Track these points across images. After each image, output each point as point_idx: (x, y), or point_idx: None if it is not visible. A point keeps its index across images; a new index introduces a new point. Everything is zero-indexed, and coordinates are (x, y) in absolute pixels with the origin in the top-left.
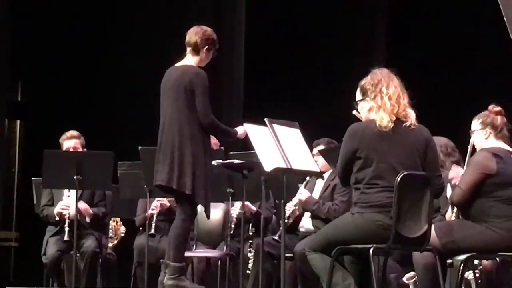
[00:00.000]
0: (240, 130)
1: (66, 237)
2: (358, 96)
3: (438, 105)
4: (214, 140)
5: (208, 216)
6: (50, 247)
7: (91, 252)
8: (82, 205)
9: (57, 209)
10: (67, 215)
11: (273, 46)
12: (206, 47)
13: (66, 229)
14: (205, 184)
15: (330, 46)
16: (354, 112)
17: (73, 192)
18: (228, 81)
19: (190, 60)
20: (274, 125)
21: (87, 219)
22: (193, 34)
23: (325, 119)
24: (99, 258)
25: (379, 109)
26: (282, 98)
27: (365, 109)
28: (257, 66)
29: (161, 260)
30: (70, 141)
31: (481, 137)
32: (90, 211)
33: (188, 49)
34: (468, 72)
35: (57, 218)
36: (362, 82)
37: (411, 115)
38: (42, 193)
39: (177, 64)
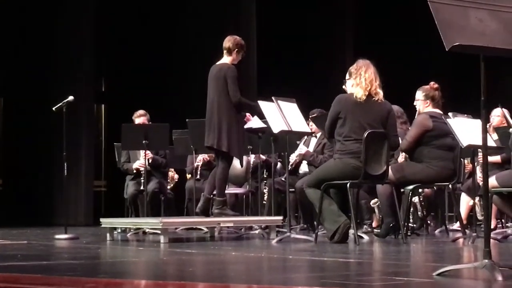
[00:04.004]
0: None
1: (142, 187)
2: (347, 76)
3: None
4: (247, 116)
5: (241, 165)
6: (130, 188)
7: (151, 192)
8: (149, 155)
9: (135, 165)
10: (143, 171)
11: (280, 46)
12: (236, 49)
13: (142, 180)
14: (239, 143)
15: (316, 43)
16: (344, 86)
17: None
18: (245, 71)
19: (225, 59)
20: (279, 101)
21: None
22: (227, 41)
23: (318, 94)
24: (158, 195)
25: (357, 86)
26: (287, 81)
27: (349, 85)
28: (267, 59)
29: (202, 193)
30: (140, 118)
31: (423, 105)
32: (151, 155)
33: (224, 51)
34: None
35: (134, 172)
36: (350, 67)
37: (380, 93)
38: (122, 153)
39: (217, 63)
